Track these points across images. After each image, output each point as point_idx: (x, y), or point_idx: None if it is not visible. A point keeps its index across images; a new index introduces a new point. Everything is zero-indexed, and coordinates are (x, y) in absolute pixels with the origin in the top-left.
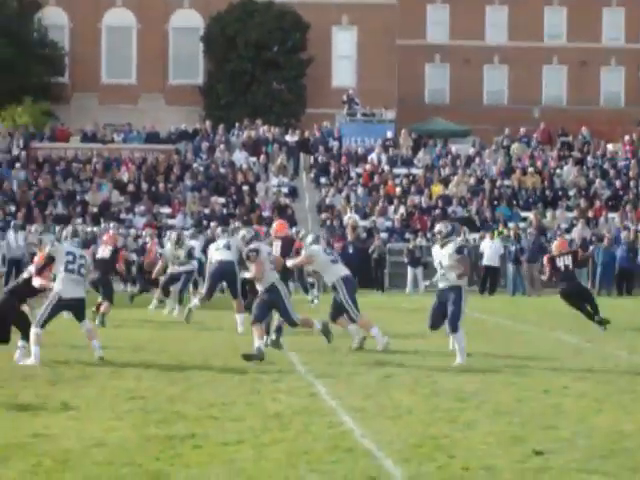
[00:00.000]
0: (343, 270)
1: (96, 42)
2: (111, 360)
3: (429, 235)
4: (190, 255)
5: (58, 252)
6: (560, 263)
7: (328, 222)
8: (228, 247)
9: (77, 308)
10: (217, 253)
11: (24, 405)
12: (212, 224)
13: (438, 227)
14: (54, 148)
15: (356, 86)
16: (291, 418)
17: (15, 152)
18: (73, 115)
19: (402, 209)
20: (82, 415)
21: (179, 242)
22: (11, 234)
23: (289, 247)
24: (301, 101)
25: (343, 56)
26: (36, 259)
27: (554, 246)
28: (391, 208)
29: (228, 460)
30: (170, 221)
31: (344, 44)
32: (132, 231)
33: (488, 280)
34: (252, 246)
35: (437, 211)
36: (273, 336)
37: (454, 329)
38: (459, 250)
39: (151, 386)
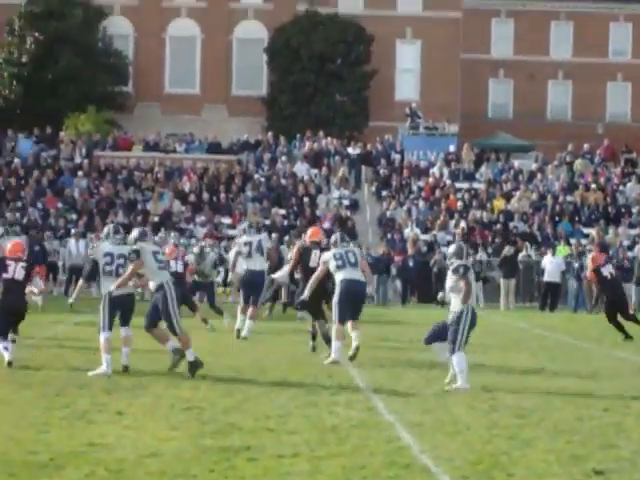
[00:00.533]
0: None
1: (160, 52)
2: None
3: (490, 250)
4: (215, 265)
5: (97, 254)
6: (606, 272)
7: (389, 235)
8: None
9: (126, 306)
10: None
11: (80, 413)
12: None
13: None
14: (116, 157)
15: (419, 99)
16: (348, 432)
17: (78, 160)
18: (136, 124)
19: (463, 223)
20: (137, 424)
21: (202, 255)
22: (72, 242)
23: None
24: (364, 114)
25: (406, 69)
26: None
27: (591, 260)
28: (452, 222)
29: (283, 473)
30: (231, 231)
31: (408, 57)
32: (193, 241)
33: (549, 296)
34: (135, 247)
35: (498, 226)
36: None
37: (451, 351)
38: (455, 270)
39: (207, 397)
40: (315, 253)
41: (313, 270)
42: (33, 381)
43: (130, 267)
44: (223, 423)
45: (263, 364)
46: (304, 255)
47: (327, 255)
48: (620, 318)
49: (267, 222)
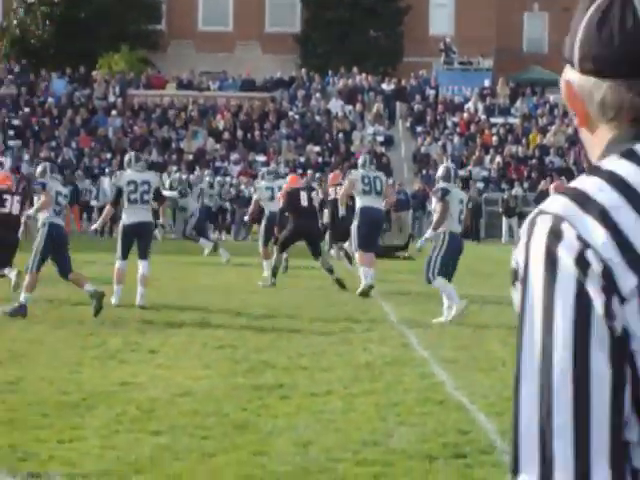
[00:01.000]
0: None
1: None
2: (204, 307)
3: (526, 185)
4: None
5: (120, 182)
6: None
7: (424, 171)
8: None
9: (143, 234)
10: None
11: (112, 352)
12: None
13: None
14: (150, 95)
15: (453, 34)
16: (382, 369)
17: (111, 99)
18: (169, 63)
19: (498, 159)
20: (170, 363)
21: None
22: (106, 181)
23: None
24: (398, 49)
25: (440, 4)
26: None
27: None
28: (487, 157)
29: (316, 411)
30: (265, 169)
31: None
32: (227, 179)
33: None
34: (41, 179)
35: (534, 161)
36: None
37: (425, 280)
38: (434, 192)
39: (240, 335)
40: (302, 194)
41: (304, 209)
42: (66, 320)
43: (41, 199)
44: (256, 361)
45: (297, 301)
46: (293, 197)
47: (355, 175)
48: None
49: (302, 159)
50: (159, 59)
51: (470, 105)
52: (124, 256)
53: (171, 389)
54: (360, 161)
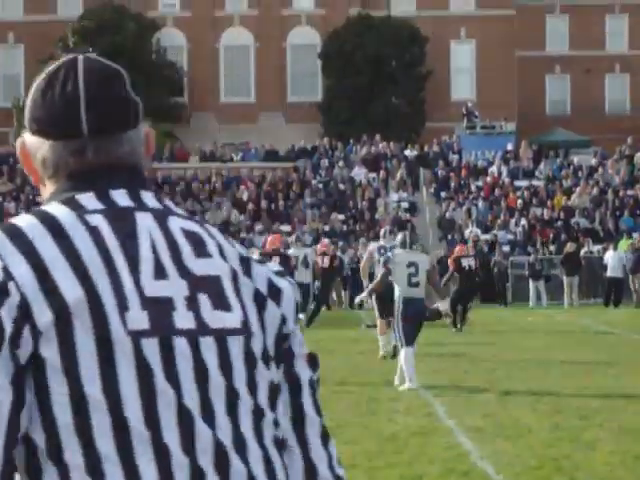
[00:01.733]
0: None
1: (214, 62)
2: None
3: (552, 248)
4: None
5: None
6: None
7: (449, 236)
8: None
9: None
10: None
11: None
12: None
13: None
14: (174, 168)
15: (475, 99)
16: (407, 440)
17: None
18: (192, 135)
19: (524, 221)
20: None
21: None
22: None
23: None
24: (420, 115)
25: (462, 69)
26: None
27: None
28: (512, 221)
29: None
30: (290, 239)
31: (463, 57)
32: (253, 249)
33: (613, 292)
34: None
35: (559, 223)
36: None
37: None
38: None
39: None
40: (274, 259)
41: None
42: None
43: None
44: None
45: (322, 371)
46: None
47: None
48: None
49: (326, 228)
50: (182, 132)
51: (494, 169)
52: None
53: None
54: (399, 240)
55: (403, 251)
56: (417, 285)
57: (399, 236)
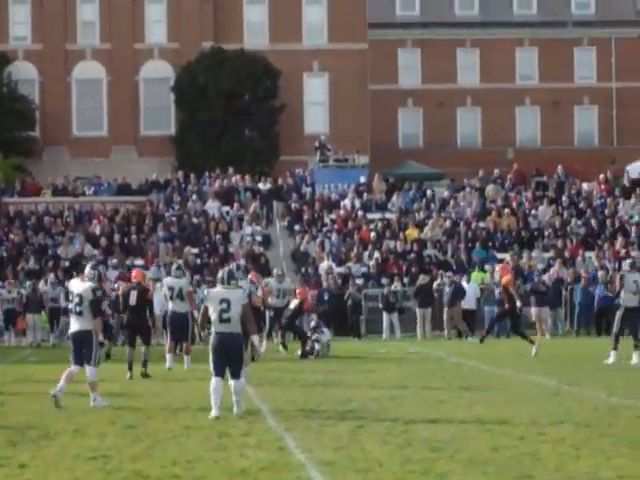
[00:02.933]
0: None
1: (66, 95)
2: (81, 414)
3: (405, 280)
4: None
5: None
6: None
7: (303, 269)
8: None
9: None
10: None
11: None
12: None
13: None
14: (25, 203)
15: (329, 132)
16: (257, 475)
17: None
18: (45, 169)
19: (377, 254)
20: (40, 477)
21: None
22: None
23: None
24: (274, 149)
25: (315, 102)
26: None
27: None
28: (366, 253)
29: None
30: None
31: (316, 90)
32: (107, 284)
33: (465, 323)
34: None
35: (412, 255)
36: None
37: None
38: None
39: (114, 444)
40: (132, 293)
41: (132, 308)
42: None
43: None
44: (129, 472)
45: (175, 406)
46: (125, 295)
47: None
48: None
49: (180, 262)
50: (34, 166)
51: (347, 202)
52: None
53: None
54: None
55: (220, 287)
56: (229, 320)
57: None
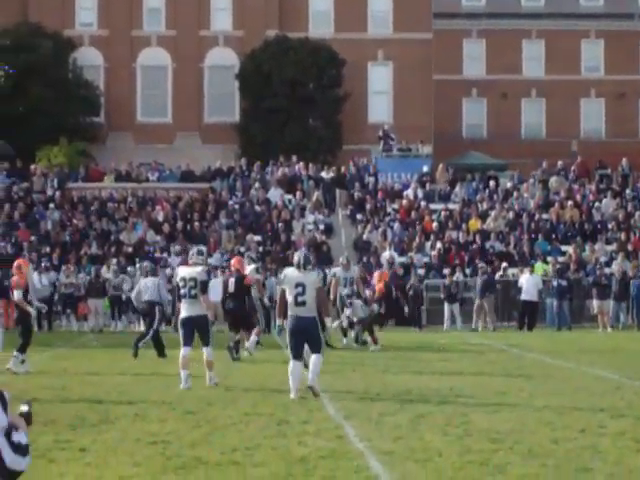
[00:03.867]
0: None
1: (131, 82)
2: (142, 400)
3: (467, 271)
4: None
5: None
6: None
7: (365, 259)
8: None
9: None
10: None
11: (42, 451)
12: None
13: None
14: (89, 188)
15: (392, 121)
16: (316, 463)
17: (50, 192)
18: (108, 155)
19: (439, 245)
20: (100, 461)
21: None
22: (35, 275)
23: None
24: (337, 137)
25: (379, 92)
26: None
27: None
28: (428, 244)
29: None
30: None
31: (380, 79)
32: (168, 270)
33: (527, 315)
34: None
35: (474, 246)
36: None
37: None
38: None
39: (174, 429)
40: (230, 280)
41: (231, 295)
42: None
43: None
44: (188, 457)
45: (234, 394)
46: (225, 283)
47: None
48: None
49: (242, 249)
50: (98, 151)
51: (410, 191)
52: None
53: None
54: (295, 259)
55: (302, 271)
56: (301, 304)
57: (295, 257)
